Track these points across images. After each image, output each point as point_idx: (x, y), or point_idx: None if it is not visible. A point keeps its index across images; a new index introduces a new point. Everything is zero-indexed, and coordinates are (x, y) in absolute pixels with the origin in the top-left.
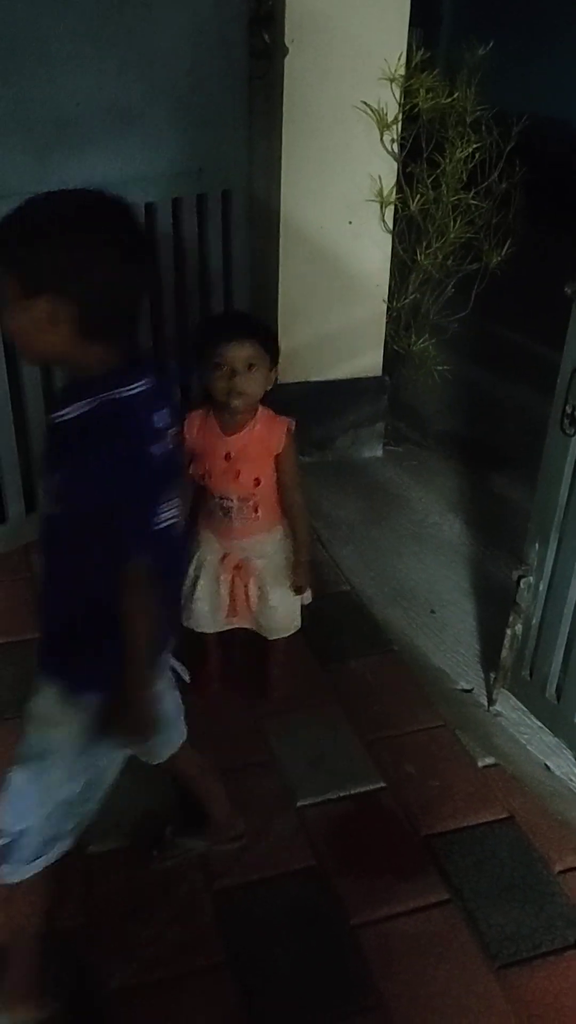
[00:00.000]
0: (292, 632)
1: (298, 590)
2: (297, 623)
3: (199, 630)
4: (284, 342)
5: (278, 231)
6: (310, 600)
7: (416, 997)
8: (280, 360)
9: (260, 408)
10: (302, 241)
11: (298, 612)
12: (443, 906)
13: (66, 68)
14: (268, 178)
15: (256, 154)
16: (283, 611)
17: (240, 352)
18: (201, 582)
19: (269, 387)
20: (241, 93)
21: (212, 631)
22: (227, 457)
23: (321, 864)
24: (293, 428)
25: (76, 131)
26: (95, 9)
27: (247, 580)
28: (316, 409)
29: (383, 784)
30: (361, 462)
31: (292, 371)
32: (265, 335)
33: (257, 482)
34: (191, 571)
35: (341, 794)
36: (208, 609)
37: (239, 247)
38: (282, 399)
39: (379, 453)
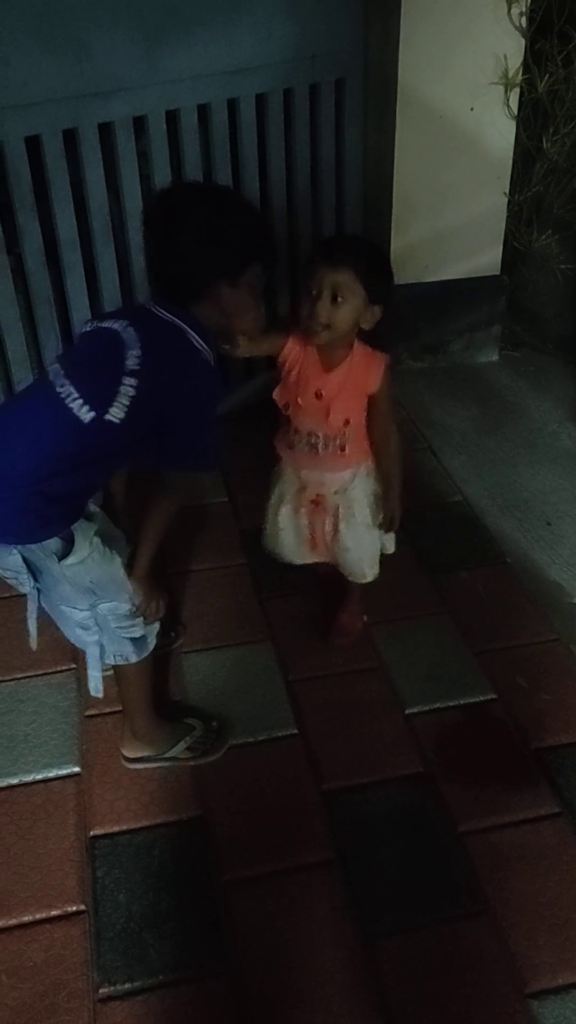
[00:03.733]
0: (368, 580)
1: (389, 524)
2: (374, 571)
3: (285, 560)
4: (398, 240)
5: (394, 121)
6: (393, 550)
7: (523, 905)
8: (392, 260)
9: (356, 344)
10: (419, 131)
11: (375, 559)
12: (553, 819)
13: None
14: (384, 64)
15: (372, 38)
16: (356, 554)
17: (330, 277)
18: (282, 513)
19: (367, 326)
20: None
21: (297, 562)
22: (318, 395)
23: (429, 771)
24: (389, 363)
25: (185, 20)
26: None
27: (324, 516)
28: (429, 311)
29: (493, 695)
30: (476, 367)
31: (405, 271)
32: (367, 266)
33: (347, 422)
34: (273, 500)
35: (450, 703)
36: (292, 540)
37: (353, 139)
38: (394, 300)
39: (495, 358)
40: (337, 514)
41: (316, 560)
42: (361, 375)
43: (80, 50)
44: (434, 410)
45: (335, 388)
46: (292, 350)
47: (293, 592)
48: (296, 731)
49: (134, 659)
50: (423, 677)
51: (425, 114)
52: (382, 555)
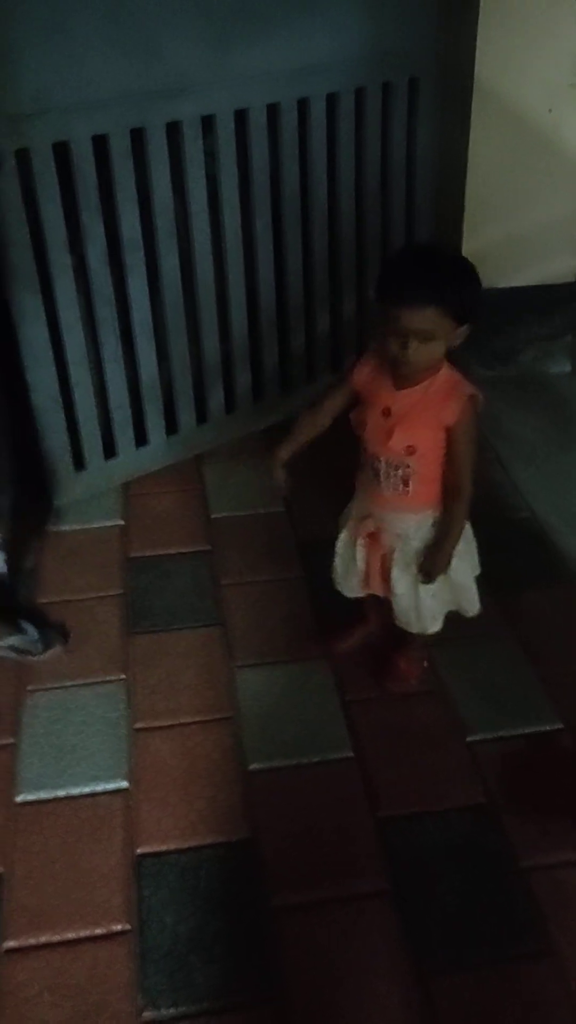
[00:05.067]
0: (424, 634)
1: (425, 576)
2: (431, 626)
3: (337, 588)
4: (470, 244)
5: (469, 122)
6: (476, 611)
7: None
8: None
9: (445, 367)
10: (495, 132)
11: (436, 615)
12: None
13: None
14: (460, 63)
15: (448, 36)
16: (408, 603)
17: (418, 321)
18: (341, 537)
19: (456, 344)
20: None
21: (347, 594)
22: (385, 412)
23: (491, 802)
24: (479, 402)
25: (256, 17)
26: None
27: (378, 552)
28: (501, 318)
29: (560, 724)
30: (547, 378)
31: None
32: (451, 291)
33: (410, 450)
34: (340, 521)
35: (515, 732)
36: (341, 570)
37: (425, 140)
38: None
39: (567, 368)
40: (392, 556)
41: (369, 594)
42: (438, 401)
43: (150, 49)
44: (503, 420)
45: (404, 408)
46: (363, 371)
47: (353, 610)
48: (352, 754)
49: None
50: (486, 702)
51: (501, 115)
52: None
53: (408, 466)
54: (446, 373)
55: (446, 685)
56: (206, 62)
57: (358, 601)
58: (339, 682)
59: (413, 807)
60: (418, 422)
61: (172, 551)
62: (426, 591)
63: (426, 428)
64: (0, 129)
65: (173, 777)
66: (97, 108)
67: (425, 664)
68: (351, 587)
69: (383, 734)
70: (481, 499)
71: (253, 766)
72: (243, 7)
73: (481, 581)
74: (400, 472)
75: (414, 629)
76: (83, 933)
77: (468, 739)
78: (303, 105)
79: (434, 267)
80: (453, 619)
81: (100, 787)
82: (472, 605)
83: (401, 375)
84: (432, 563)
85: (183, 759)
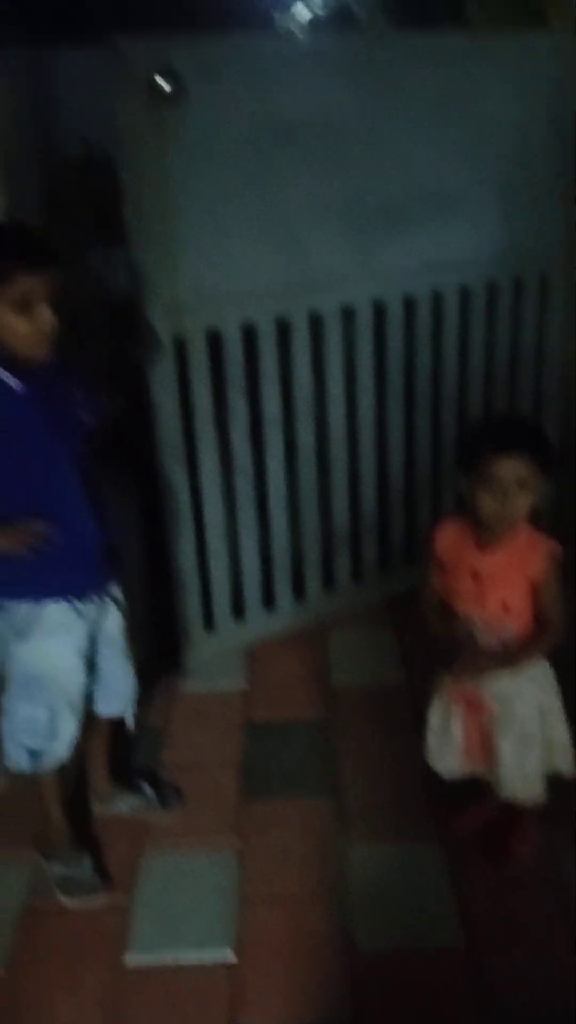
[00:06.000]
0: (523, 800)
1: (470, 668)
2: (534, 793)
3: (434, 768)
4: None
5: None
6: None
7: None
8: None
9: (523, 524)
10: None
11: (538, 780)
12: None
13: (396, 159)
14: None
15: None
16: (514, 772)
17: (514, 469)
18: (435, 708)
19: (539, 501)
20: (568, 174)
21: (443, 774)
22: (475, 576)
23: None
24: (559, 555)
25: (399, 217)
26: (428, 104)
27: (478, 720)
28: None
29: None
30: None
31: None
32: (543, 447)
33: (506, 609)
34: (432, 692)
35: None
36: (435, 744)
37: (555, 331)
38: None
39: None
40: (494, 721)
41: (468, 770)
42: (522, 557)
43: (298, 247)
44: None
45: (493, 568)
46: (445, 535)
47: (467, 788)
48: (463, 945)
49: (27, 768)
50: None
51: None
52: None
53: (503, 624)
54: (525, 530)
55: (565, 873)
56: (348, 258)
57: (473, 779)
58: (452, 864)
59: (524, 1006)
60: (507, 581)
61: (292, 717)
62: (534, 757)
63: (517, 585)
64: (160, 318)
65: (280, 951)
66: (247, 300)
67: (537, 843)
68: (447, 764)
69: (496, 924)
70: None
71: (361, 947)
72: (385, 209)
73: None
74: (497, 632)
75: (522, 797)
76: None
77: None
78: (438, 297)
79: (523, 423)
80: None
81: (207, 956)
82: (569, 763)
83: (485, 536)
84: (497, 663)
85: (291, 933)
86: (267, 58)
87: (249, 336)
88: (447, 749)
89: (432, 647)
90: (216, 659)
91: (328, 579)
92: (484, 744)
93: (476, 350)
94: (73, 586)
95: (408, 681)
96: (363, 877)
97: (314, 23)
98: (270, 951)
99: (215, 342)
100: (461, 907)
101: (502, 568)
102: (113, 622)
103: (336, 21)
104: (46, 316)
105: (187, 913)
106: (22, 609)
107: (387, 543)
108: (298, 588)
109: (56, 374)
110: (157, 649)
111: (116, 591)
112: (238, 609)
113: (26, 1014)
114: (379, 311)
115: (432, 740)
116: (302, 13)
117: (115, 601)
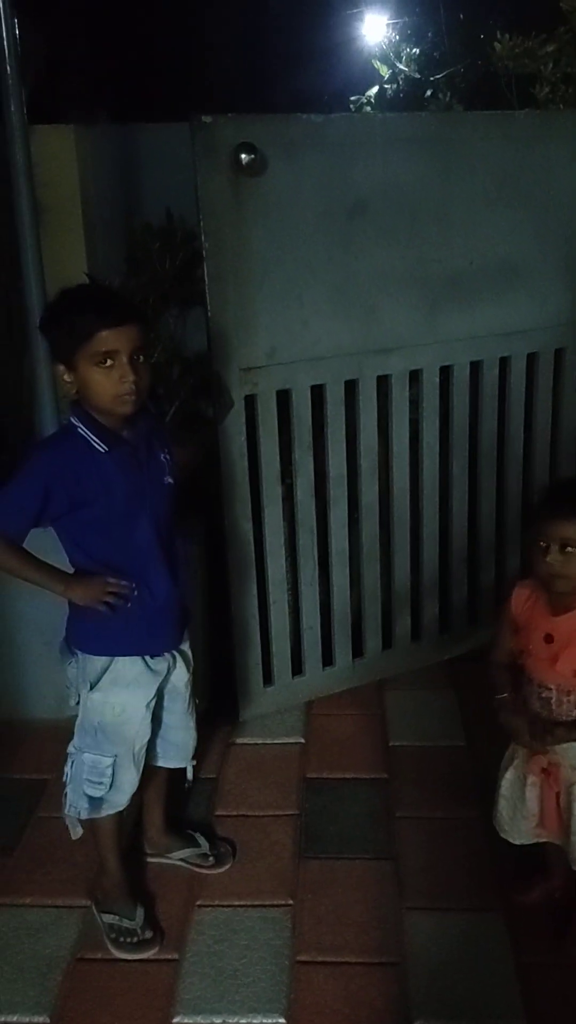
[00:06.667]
0: None
1: (559, 734)
2: None
3: (502, 835)
4: None
5: None
6: None
7: None
8: None
9: None
10: None
11: None
12: None
13: (463, 230)
14: None
15: None
16: None
17: (562, 531)
18: (507, 778)
19: None
20: None
21: (515, 841)
22: (548, 639)
23: None
24: None
25: (466, 287)
26: (497, 179)
27: (557, 788)
28: None
29: None
30: None
31: None
32: None
33: None
34: (504, 762)
35: None
36: (508, 813)
37: None
38: None
39: None
40: (571, 791)
41: (542, 840)
42: None
43: (369, 314)
44: None
45: (566, 631)
46: (520, 597)
47: (532, 858)
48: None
49: (84, 815)
50: None
51: None
52: None
53: None
54: None
55: None
56: (417, 326)
57: (539, 849)
58: (515, 939)
59: None
60: None
61: (349, 775)
62: None
63: None
64: (234, 380)
65: (333, 1021)
66: (318, 363)
67: None
68: (520, 832)
69: (560, 1006)
70: None
71: (418, 1022)
72: (455, 281)
73: None
74: (572, 696)
75: None
76: None
77: None
78: (504, 363)
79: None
80: None
81: (257, 1020)
82: None
83: (557, 598)
84: (569, 729)
85: (345, 1002)
86: (342, 135)
87: (317, 394)
88: (520, 817)
89: (501, 712)
90: (273, 713)
91: (387, 637)
92: (560, 813)
93: (541, 414)
94: (148, 645)
95: (469, 745)
96: (421, 946)
97: (388, 101)
98: (323, 1020)
99: (284, 401)
100: (523, 986)
101: (575, 630)
102: (180, 676)
103: (409, 100)
104: (128, 372)
105: (238, 972)
106: (97, 661)
107: (447, 604)
108: (357, 645)
109: (144, 434)
110: (215, 701)
111: (186, 646)
112: (296, 664)
113: None
114: (445, 375)
115: (504, 807)
116: (376, 92)
117: (184, 656)
